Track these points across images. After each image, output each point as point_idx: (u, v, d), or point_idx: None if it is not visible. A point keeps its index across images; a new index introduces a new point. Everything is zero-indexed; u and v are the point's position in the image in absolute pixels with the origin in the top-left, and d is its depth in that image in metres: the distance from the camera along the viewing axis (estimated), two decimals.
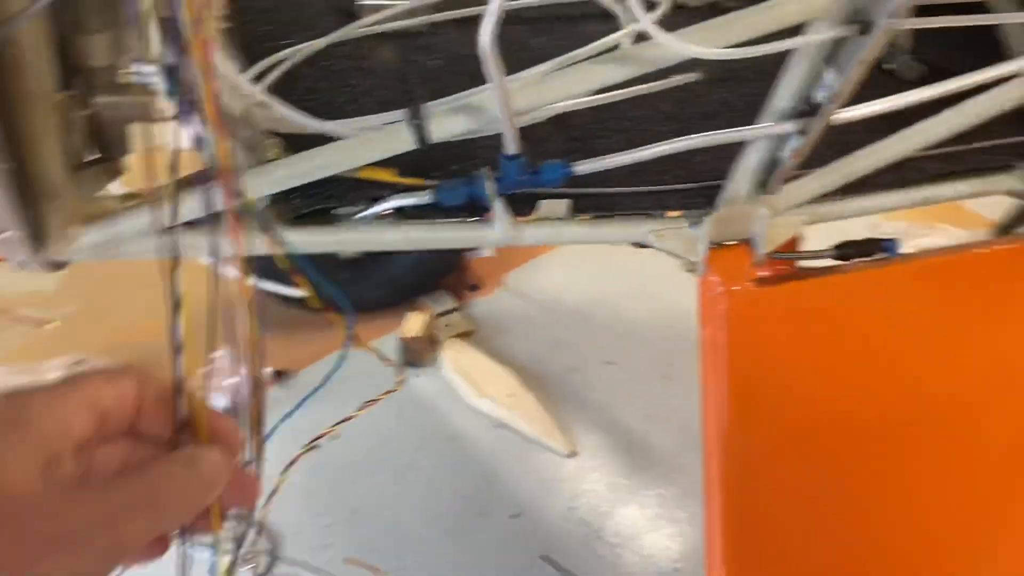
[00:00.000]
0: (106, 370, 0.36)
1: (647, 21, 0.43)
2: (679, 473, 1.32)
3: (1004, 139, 0.62)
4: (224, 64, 0.48)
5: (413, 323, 1.51)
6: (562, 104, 0.57)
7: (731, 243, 0.57)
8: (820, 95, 0.50)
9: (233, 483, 0.38)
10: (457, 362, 1.49)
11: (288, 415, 0.44)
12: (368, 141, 0.48)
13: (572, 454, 1.35)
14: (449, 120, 0.47)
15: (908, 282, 0.60)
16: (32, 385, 0.35)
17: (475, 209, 0.52)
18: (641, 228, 0.55)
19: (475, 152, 0.54)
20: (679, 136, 0.51)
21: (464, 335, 1.56)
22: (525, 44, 0.74)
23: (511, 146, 0.48)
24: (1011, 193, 0.65)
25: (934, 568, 0.67)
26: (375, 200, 0.52)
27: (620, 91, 0.59)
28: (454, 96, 0.47)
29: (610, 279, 1.74)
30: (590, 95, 0.56)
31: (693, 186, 0.56)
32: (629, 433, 1.40)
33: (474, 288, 1.68)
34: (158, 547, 0.39)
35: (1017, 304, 0.62)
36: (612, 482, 1.31)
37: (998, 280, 0.62)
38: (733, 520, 0.60)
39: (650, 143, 0.51)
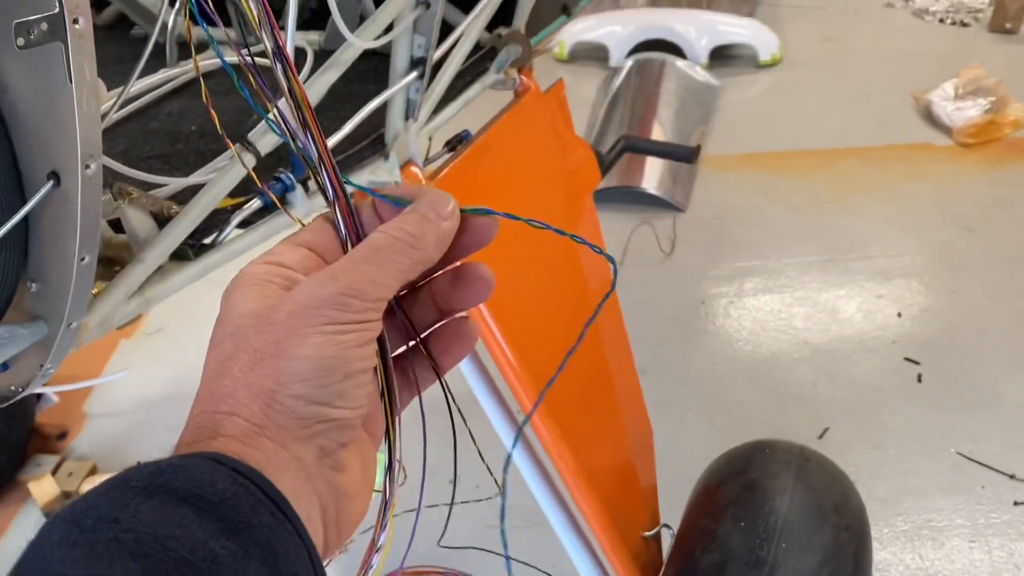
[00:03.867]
0: (304, 226, 0.41)
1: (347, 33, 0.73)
2: None
3: None
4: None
5: (42, 488, 1.48)
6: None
7: (405, 163, 0.89)
8: (417, 52, 0.85)
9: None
10: None
11: None
12: (224, 175, 0.69)
13: None
14: (265, 138, 0.70)
15: (489, 148, 0.99)
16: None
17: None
18: (364, 175, 0.84)
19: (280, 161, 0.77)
20: (360, 108, 0.81)
21: (92, 473, 1.57)
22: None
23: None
24: None
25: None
26: (225, 223, 0.72)
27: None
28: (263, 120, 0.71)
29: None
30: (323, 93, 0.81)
31: (376, 135, 0.86)
32: None
33: (63, 435, 1.67)
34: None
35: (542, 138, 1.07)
36: None
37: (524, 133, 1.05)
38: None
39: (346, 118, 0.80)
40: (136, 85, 1.01)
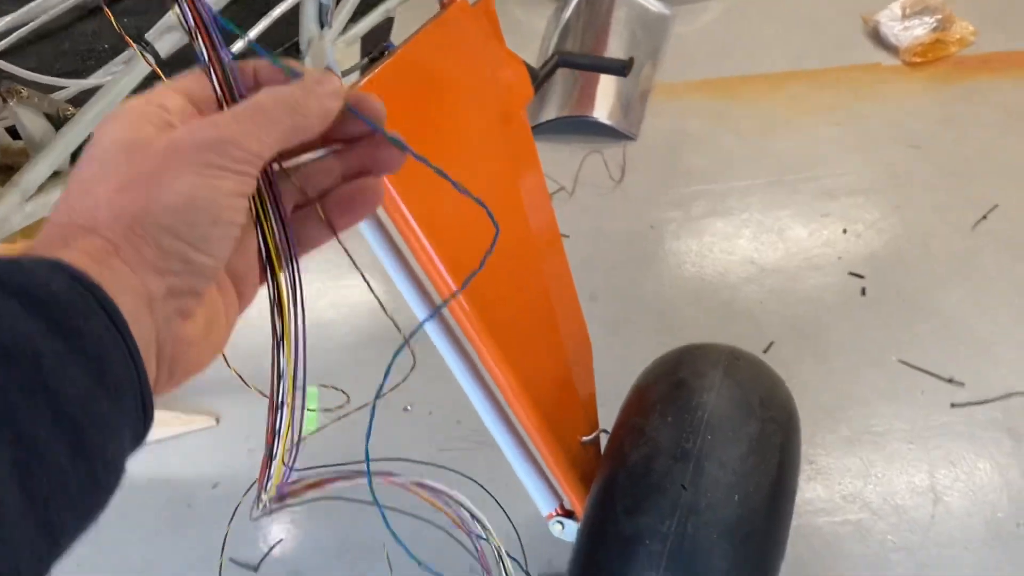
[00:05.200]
0: (183, 73, 0.41)
1: None
2: None
3: None
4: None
5: None
6: None
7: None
8: None
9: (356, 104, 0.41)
10: None
11: None
12: (124, 75, 0.68)
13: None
14: (165, 37, 0.69)
15: (413, 59, 0.98)
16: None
17: None
18: None
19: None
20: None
21: None
22: None
23: None
24: None
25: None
26: None
27: None
28: (162, 20, 0.70)
29: None
30: None
31: (291, 43, 0.85)
32: None
33: None
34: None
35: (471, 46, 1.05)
36: None
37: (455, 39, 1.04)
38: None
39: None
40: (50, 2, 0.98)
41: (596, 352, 1.27)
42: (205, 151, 0.35)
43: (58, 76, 0.86)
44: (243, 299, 0.41)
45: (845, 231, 1.98)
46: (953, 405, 1.55)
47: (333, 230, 0.43)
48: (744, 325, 1.77)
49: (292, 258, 0.41)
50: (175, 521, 1.52)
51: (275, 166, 0.41)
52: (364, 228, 0.94)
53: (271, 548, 1.46)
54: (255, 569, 1.42)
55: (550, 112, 2.45)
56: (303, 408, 0.42)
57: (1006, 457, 1.46)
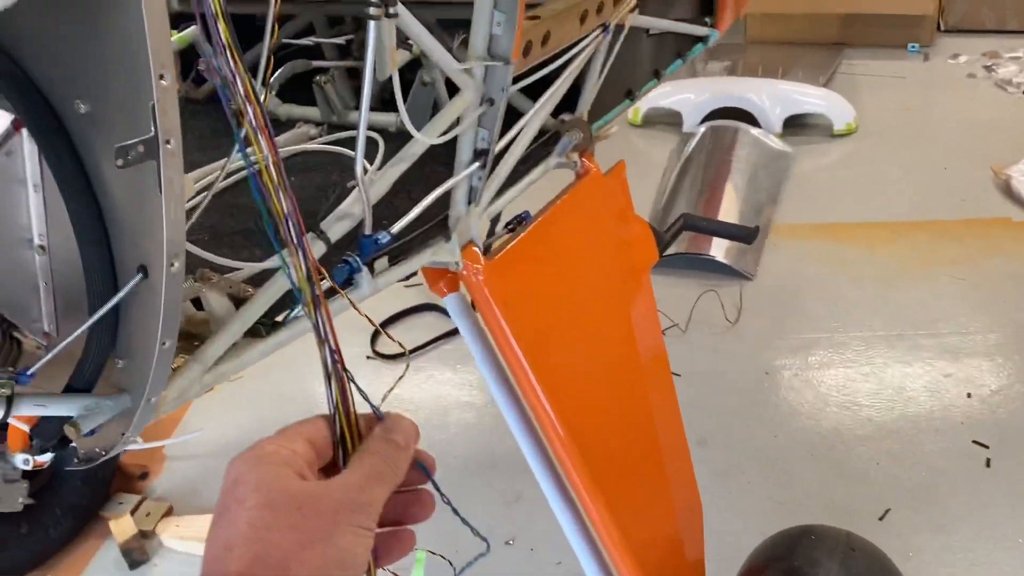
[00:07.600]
0: (301, 421, 0.52)
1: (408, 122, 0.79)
2: None
3: None
4: None
5: (122, 527, 1.56)
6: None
7: (466, 244, 0.95)
8: (481, 144, 0.90)
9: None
10: (182, 534, 1.59)
11: None
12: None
13: None
14: (337, 225, 0.77)
15: (547, 230, 1.04)
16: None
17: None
18: (427, 255, 0.90)
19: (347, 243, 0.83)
20: (430, 190, 0.87)
21: (168, 513, 1.66)
22: None
23: (368, 228, 0.79)
24: None
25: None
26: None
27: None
28: (336, 210, 0.77)
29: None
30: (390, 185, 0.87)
31: (441, 217, 0.92)
32: None
33: (145, 475, 1.76)
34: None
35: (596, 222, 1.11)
36: None
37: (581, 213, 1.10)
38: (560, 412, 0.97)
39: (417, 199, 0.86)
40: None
41: (702, 500, 1.25)
42: (359, 513, 0.45)
43: (233, 234, 0.95)
44: None
45: (969, 395, 1.92)
46: None
47: (372, 570, 0.51)
48: (859, 487, 1.72)
49: None
50: None
51: None
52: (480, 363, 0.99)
53: None
54: None
55: (668, 248, 2.49)
56: None
57: None
